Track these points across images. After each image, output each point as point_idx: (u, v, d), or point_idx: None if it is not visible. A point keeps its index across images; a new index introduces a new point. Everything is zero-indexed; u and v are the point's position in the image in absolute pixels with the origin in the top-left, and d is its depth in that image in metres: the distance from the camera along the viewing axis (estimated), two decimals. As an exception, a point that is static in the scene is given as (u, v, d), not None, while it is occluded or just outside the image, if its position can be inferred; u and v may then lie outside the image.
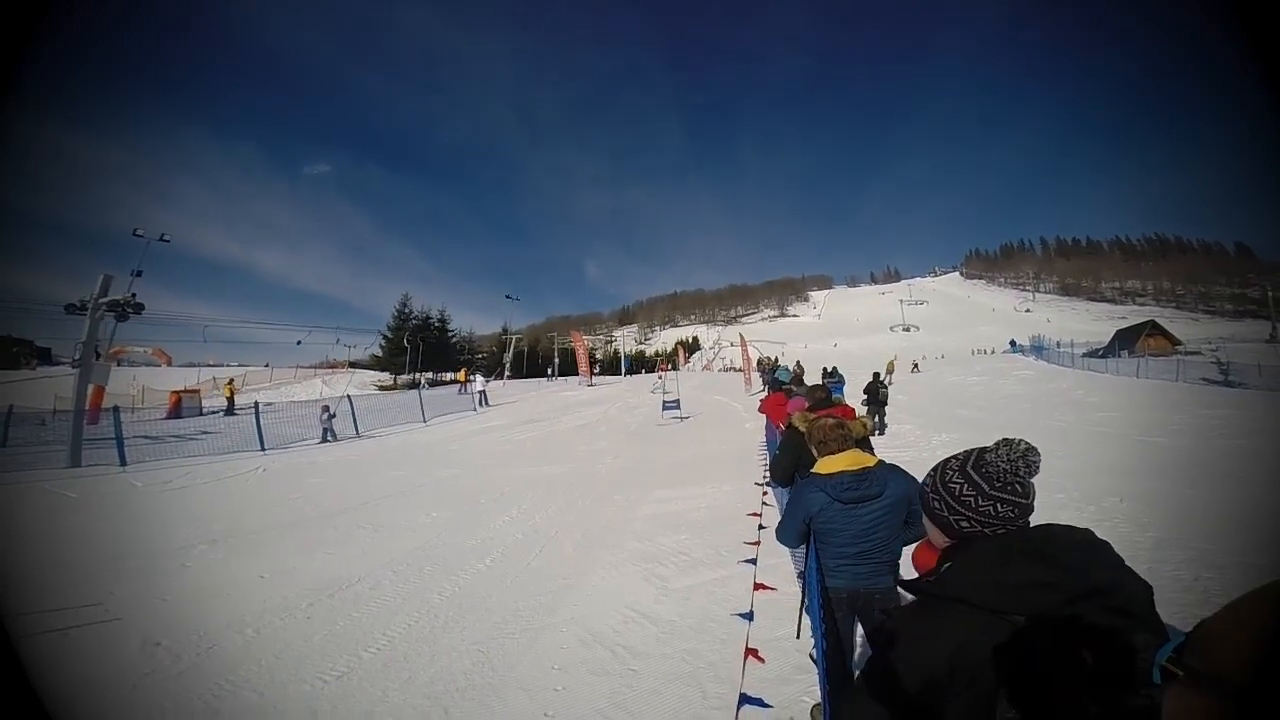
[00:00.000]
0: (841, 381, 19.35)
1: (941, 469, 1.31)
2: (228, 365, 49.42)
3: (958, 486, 1.25)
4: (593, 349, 56.33)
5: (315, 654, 4.02)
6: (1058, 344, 41.99)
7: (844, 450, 2.75)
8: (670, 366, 41.37)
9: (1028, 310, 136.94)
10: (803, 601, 3.86)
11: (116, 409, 14.47)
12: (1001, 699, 0.99)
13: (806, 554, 3.27)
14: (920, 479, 1.44)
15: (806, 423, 4.30)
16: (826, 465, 2.71)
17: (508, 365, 40.85)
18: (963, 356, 51.47)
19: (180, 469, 12.08)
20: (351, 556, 6.24)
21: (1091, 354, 41.24)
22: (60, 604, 4.71)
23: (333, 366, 49.36)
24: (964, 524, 1.23)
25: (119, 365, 25.48)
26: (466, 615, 4.67)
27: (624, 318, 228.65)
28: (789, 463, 4.35)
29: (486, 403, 25.99)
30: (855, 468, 2.65)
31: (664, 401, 18.85)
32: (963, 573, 1.14)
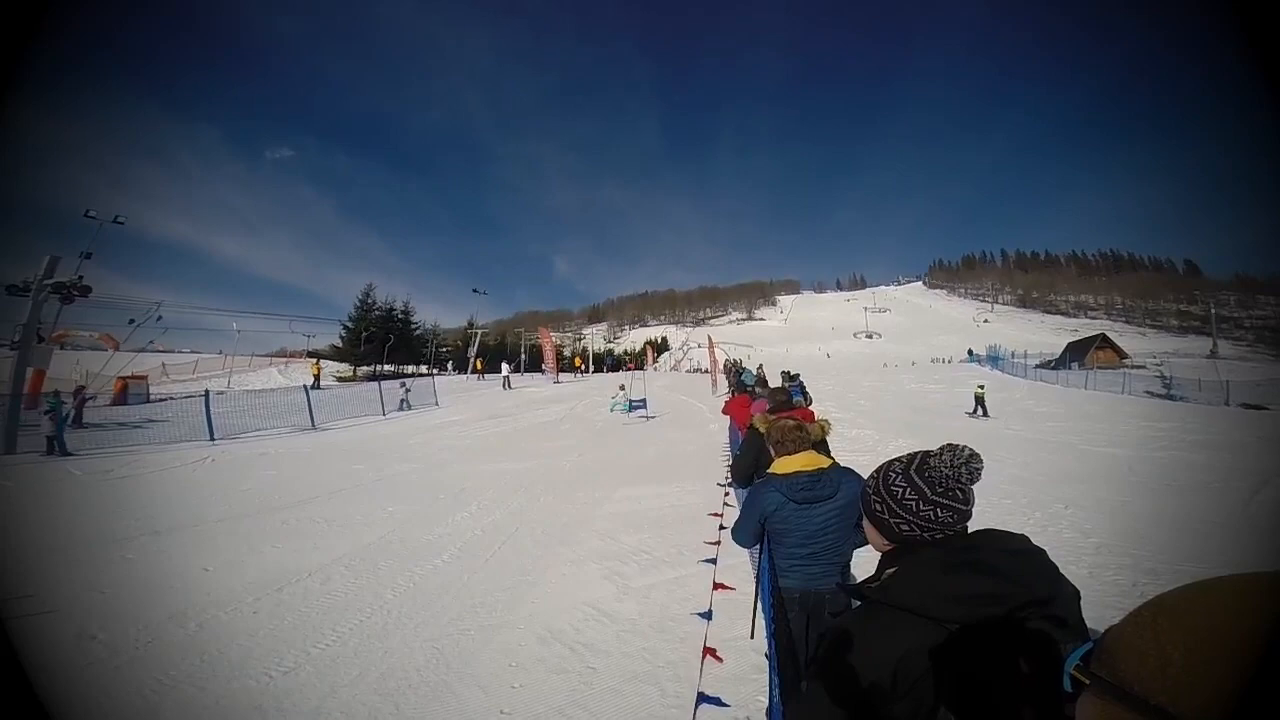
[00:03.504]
0: (801, 386, 19.63)
1: (884, 471, 1.31)
2: (179, 351, 47.62)
3: (900, 490, 1.25)
4: (560, 345, 56.18)
5: (261, 649, 3.89)
6: (1012, 354, 43.34)
7: (801, 451, 2.76)
8: (637, 366, 41.53)
9: (985, 321, 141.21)
10: (757, 601, 3.89)
11: (56, 392, 13.83)
12: (941, 706, 1.00)
13: (760, 554, 3.30)
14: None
15: (766, 424, 4.35)
16: (783, 465, 2.74)
17: (472, 360, 40.27)
18: (923, 364, 52.68)
19: (124, 457, 11.60)
20: (303, 550, 6.06)
21: (1044, 365, 42.69)
22: (-10, 594, 4.47)
23: (290, 356, 48.00)
24: (904, 528, 1.23)
25: (62, 349, 24.31)
26: (421, 611, 4.57)
27: (593, 315, 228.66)
28: (749, 463, 4.38)
29: (509, 386, 29.20)
30: (811, 468, 2.68)
31: (630, 401, 18.85)
32: (906, 581, 1.14)
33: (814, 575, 2.65)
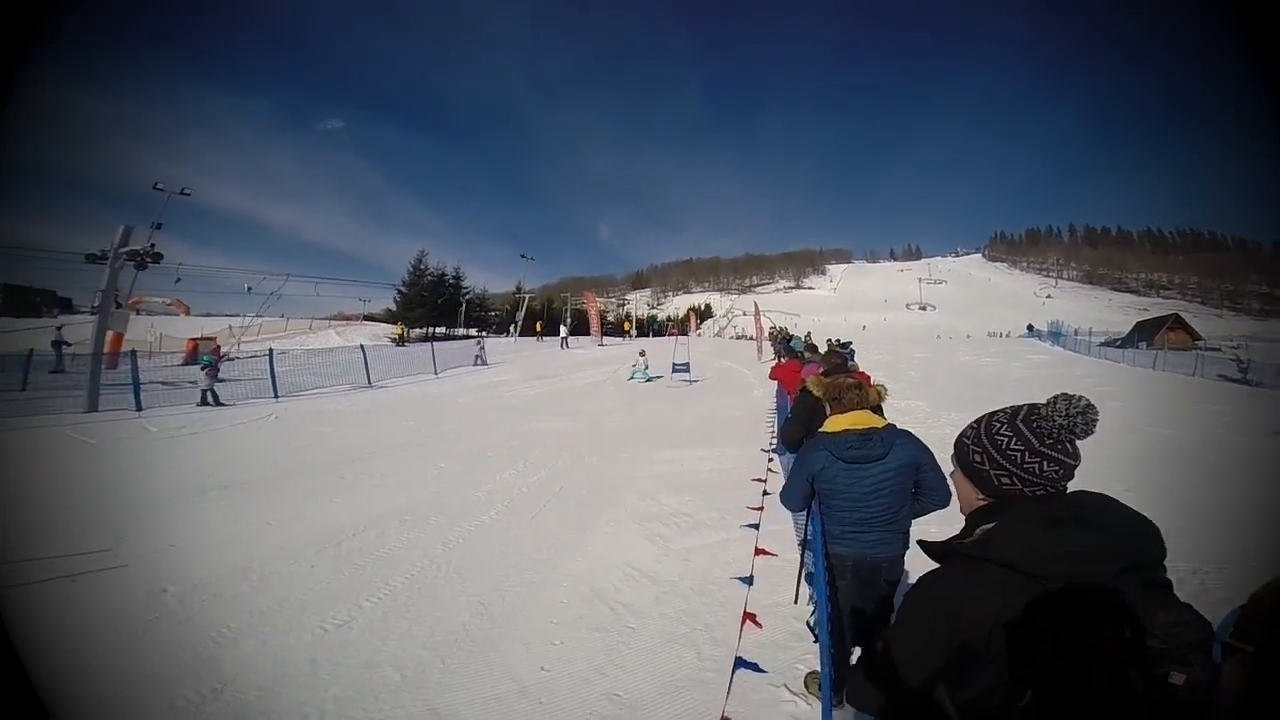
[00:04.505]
0: (851, 354, 19.19)
1: (987, 421, 1.25)
2: (245, 315, 49.77)
3: (1005, 440, 1.18)
4: (604, 310, 56.76)
5: (317, 602, 4.08)
6: (1075, 331, 41.26)
7: (855, 409, 2.65)
8: (681, 331, 41.55)
9: (1049, 297, 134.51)
10: (802, 568, 3.84)
11: (134, 352, 14.65)
12: (1030, 671, 0.95)
13: (808, 520, 3.23)
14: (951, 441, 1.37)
15: (822, 386, 4.23)
16: (833, 424, 2.63)
17: (520, 323, 41.15)
18: (979, 338, 50.74)
19: (194, 415, 12.26)
20: (358, 505, 6.31)
21: (1109, 343, 40.57)
22: (74, 549, 4.80)
23: (347, 319, 49.66)
24: (1005, 480, 1.17)
25: (138, 314, 25.72)
26: (469, 567, 4.72)
27: (637, 281, 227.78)
28: (800, 427, 4.27)
29: (567, 346, 31.38)
30: (861, 427, 2.56)
31: (674, 364, 18.75)
32: (1008, 536, 1.07)
33: (868, 543, 2.57)
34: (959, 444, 1.30)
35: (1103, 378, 20.06)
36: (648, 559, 4.82)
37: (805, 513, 3.34)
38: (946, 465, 2.53)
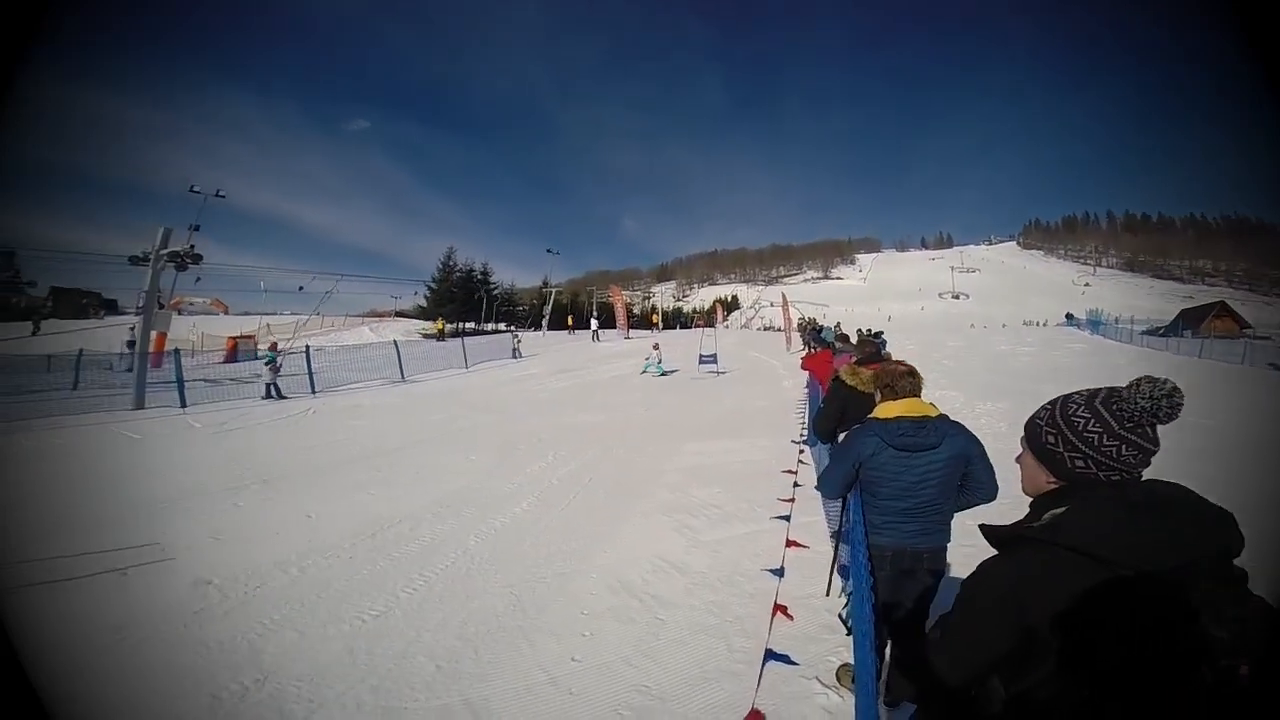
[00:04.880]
0: (884, 344, 18.86)
1: (1062, 402, 1.21)
2: (280, 313, 51.06)
3: (1082, 421, 1.15)
4: (630, 303, 56.98)
5: (355, 593, 4.18)
6: (1116, 320, 39.90)
7: (908, 397, 2.61)
8: (707, 323, 41.38)
9: (1087, 285, 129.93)
10: (835, 559, 3.81)
11: (177, 350, 15.15)
12: (1100, 656, 0.92)
13: (843, 510, 3.18)
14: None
15: (856, 373, 4.16)
16: (885, 410, 2.58)
17: (548, 318, 41.60)
18: (1015, 327, 49.43)
19: (235, 410, 12.64)
20: (394, 497, 6.44)
21: (1152, 332, 39.11)
22: (123, 543, 5.00)
23: (380, 315, 50.62)
24: (1080, 463, 1.14)
25: (179, 314, 26.54)
26: (501, 558, 4.78)
27: (662, 274, 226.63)
28: (833, 417, 4.22)
29: (599, 339, 32.84)
30: (914, 414, 2.51)
31: (701, 355, 18.63)
32: (1082, 521, 1.04)
33: (910, 533, 2.53)
34: (1031, 425, 1.27)
35: (1145, 366, 19.42)
36: (677, 550, 4.83)
37: (840, 503, 3.31)
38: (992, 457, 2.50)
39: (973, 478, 2.53)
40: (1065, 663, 0.95)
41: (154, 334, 16.02)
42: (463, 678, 3.17)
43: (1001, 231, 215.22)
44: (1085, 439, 1.13)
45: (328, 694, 3.01)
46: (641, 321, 56.90)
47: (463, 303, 48.75)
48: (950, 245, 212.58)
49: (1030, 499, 1.26)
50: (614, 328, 38.43)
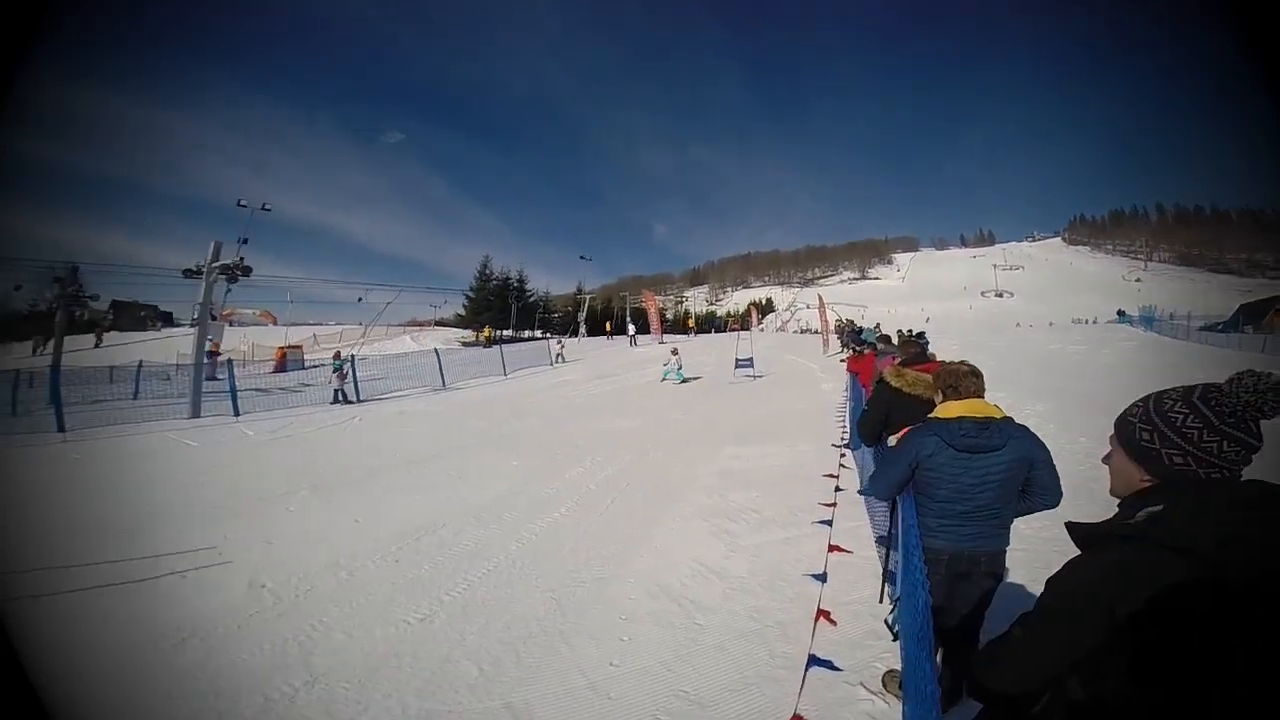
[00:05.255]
0: (927, 344, 18.37)
1: (1156, 399, 1.19)
2: (326, 324, 52.66)
3: (1180, 417, 1.12)
4: (663, 308, 57.16)
5: (401, 596, 4.27)
6: (1170, 315, 38.14)
7: (971, 397, 2.55)
8: (741, 327, 41.10)
9: (1137, 280, 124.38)
10: (886, 565, 3.73)
11: (230, 361, 15.77)
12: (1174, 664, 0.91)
13: (891, 514, 3.11)
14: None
15: (899, 375, 4.08)
16: (946, 410, 2.52)
17: (582, 324, 42.16)
18: (1062, 325, 47.74)
19: (287, 418, 13.07)
20: (438, 502, 6.57)
21: (1210, 328, 37.26)
22: (183, 547, 5.22)
23: (420, 324, 51.77)
24: (1177, 460, 1.11)
25: (230, 326, 27.58)
26: (542, 562, 4.83)
27: (695, 278, 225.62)
28: (877, 420, 4.14)
29: (636, 344, 33.57)
30: (978, 415, 2.45)
31: (737, 359, 18.37)
32: (1181, 517, 1.02)
33: (966, 536, 2.47)
34: (1123, 423, 1.23)
35: (1203, 363, 18.50)
36: (715, 555, 4.81)
37: (888, 507, 3.24)
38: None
39: (1036, 483, 2.45)
40: (1147, 666, 0.93)
41: (208, 344, 16.69)
42: (504, 681, 3.21)
43: (1045, 228, 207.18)
44: (1184, 434, 1.10)
45: (374, 696, 3.09)
46: (675, 326, 56.96)
47: (499, 310, 49.51)
48: (991, 243, 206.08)
49: (1119, 499, 1.23)
50: (648, 333, 38.58)
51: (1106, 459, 1.29)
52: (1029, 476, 2.44)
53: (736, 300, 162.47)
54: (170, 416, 12.99)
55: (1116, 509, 1.20)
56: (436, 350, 21.13)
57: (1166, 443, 1.12)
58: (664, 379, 17.77)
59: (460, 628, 3.80)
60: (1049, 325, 47.53)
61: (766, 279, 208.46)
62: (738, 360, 18.30)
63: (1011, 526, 2.53)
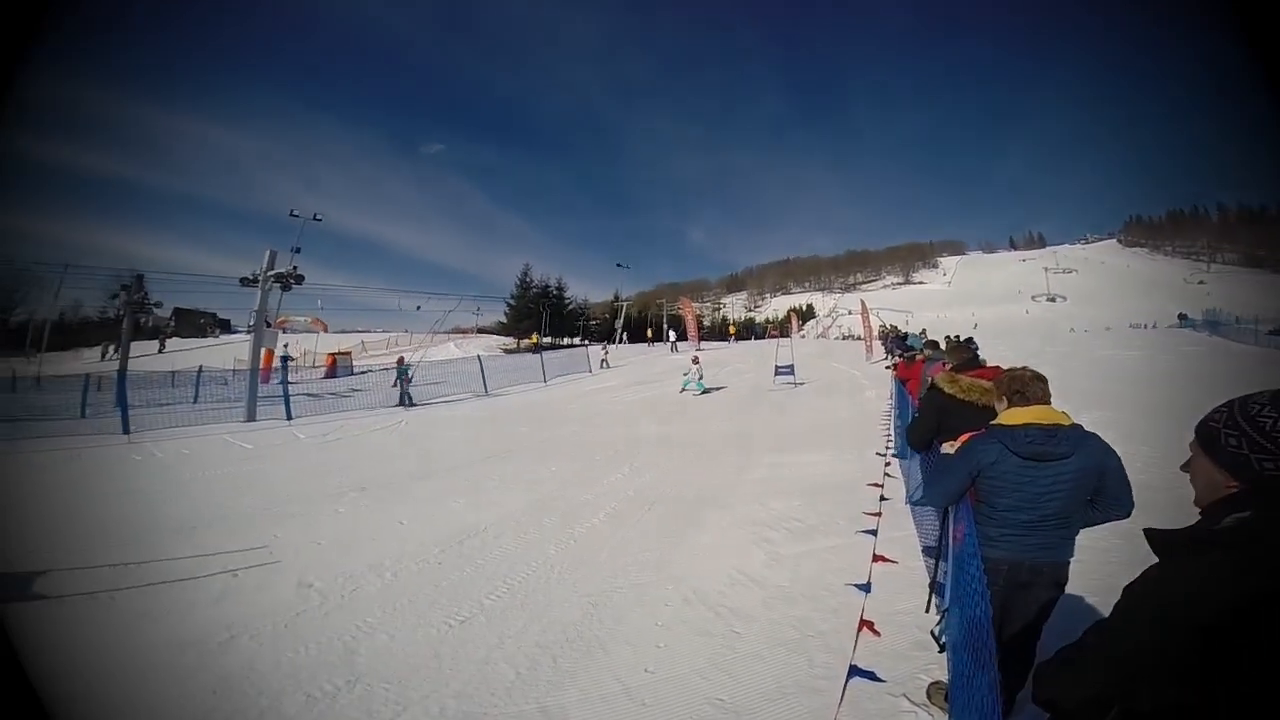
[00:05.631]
0: (977, 350, 17.76)
1: (1243, 403, 1.16)
2: (373, 331, 54.22)
3: (1269, 421, 1.09)
4: (700, 315, 57.03)
5: (443, 598, 4.34)
6: (1237, 319, 36.08)
7: (1038, 404, 2.45)
8: (781, 333, 40.63)
9: (1200, 283, 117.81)
10: (935, 576, 3.62)
11: (284, 367, 16.35)
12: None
13: (944, 523, 3.01)
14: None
15: (952, 381, 3.96)
16: (1011, 416, 2.43)
17: (619, 331, 42.63)
18: (1120, 330, 45.69)
19: (337, 422, 13.47)
20: (480, 505, 6.67)
21: (1277, 331, 35.29)
22: (237, 545, 5.41)
23: (464, 332, 52.80)
24: (1268, 465, 1.08)
25: (284, 332, 28.62)
26: (580, 567, 4.85)
27: (732, 284, 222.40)
28: (929, 426, 4.02)
29: (676, 350, 33.76)
30: (1045, 421, 2.35)
31: (777, 367, 17.96)
32: (1275, 524, 0.99)
33: (1029, 546, 2.37)
34: (1205, 430, 1.20)
35: (1274, 369, 17.47)
36: (755, 564, 4.74)
37: (940, 516, 3.14)
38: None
39: (1107, 492, 2.34)
40: (1243, 676, 0.89)
41: (263, 351, 17.32)
42: (540, 685, 3.22)
43: (1099, 229, 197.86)
44: (1274, 439, 1.07)
45: (413, 697, 3.13)
46: (713, 333, 56.74)
47: (539, 317, 50.37)
48: (1042, 245, 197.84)
49: (1201, 508, 1.20)
50: (685, 339, 38.59)
51: (1186, 466, 1.25)
52: (1100, 486, 2.33)
53: (775, 306, 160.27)
54: (227, 420, 13.52)
55: (1199, 517, 1.17)
56: (479, 357, 21.50)
57: (1256, 448, 1.08)
58: (683, 389, 16.80)
59: (499, 631, 3.84)
60: (1106, 330, 45.64)
61: (807, 285, 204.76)
62: (778, 367, 18.00)
63: (1076, 539, 2.42)
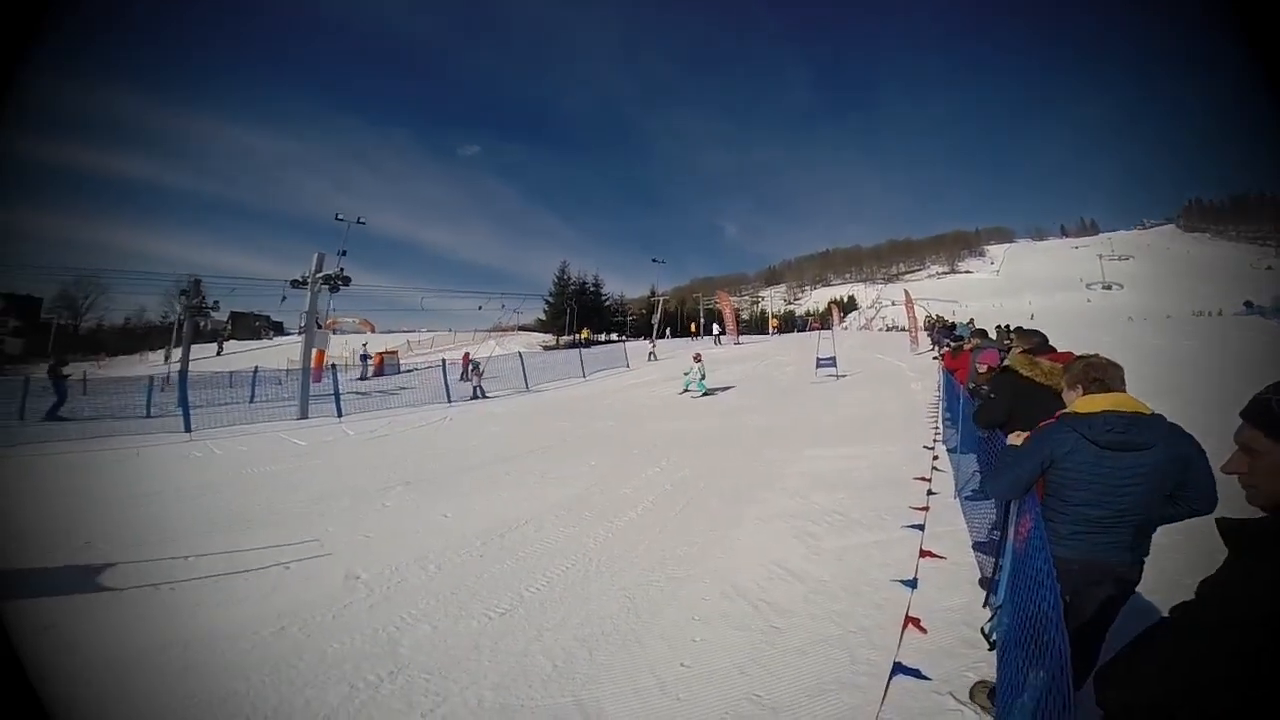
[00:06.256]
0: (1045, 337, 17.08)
1: None
2: (418, 331, 55.49)
3: None
4: (739, 309, 56.40)
5: (485, 591, 4.40)
6: None
7: (1116, 391, 2.31)
8: (822, 325, 39.79)
9: (1269, 268, 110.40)
10: (995, 572, 3.48)
11: (334, 366, 16.84)
12: None
13: (1007, 517, 2.87)
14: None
15: (1032, 365, 3.80)
16: (1087, 404, 2.29)
17: (656, 326, 42.71)
18: (1181, 318, 43.25)
19: (385, 419, 13.82)
20: (521, 499, 6.75)
21: None
22: (290, 539, 5.59)
23: (504, 330, 53.60)
24: None
25: (334, 333, 29.55)
26: (617, 561, 4.86)
27: (771, 277, 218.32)
28: (1002, 408, 3.87)
29: (720, 343, 34.80)
30: (1126, 409, 2.21)
31: (818, 359, 17.64)
32: None
33: (1101, 545, 2.23)
34: (1263, 410, 1.11)
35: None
36: (795, 558, 4.66)
37: (1001, 510, 3.00)
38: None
39: (1190, 487, 2.18)
40: None
41: (314, 351, 17.88)
42: (576, 678, 3.23)
43: (1156, 214, 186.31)
44: None
45: (452, 688, 3.17)
46: (752, 326, 56.10)
47: (578, 314, 50.86)
48: (1095, 231, 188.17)
49: (1259, 505, 1.10)
50: (725, 333, 38.37)
51: (1232, 465, 1.14)
52: (1182, 479, 2.18)
53: (816, 299, 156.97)
54: (281, 418, 14.01)
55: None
56: (520, 354, 21.77)
57: None
58: (684, 390, 15.81)
59: (538, 623, 3.87)
60: (1166, 318, 43.34)
61: (848, 276, 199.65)
62: (819, 359, 17.65)
63: (1151, 537, 2.28)
